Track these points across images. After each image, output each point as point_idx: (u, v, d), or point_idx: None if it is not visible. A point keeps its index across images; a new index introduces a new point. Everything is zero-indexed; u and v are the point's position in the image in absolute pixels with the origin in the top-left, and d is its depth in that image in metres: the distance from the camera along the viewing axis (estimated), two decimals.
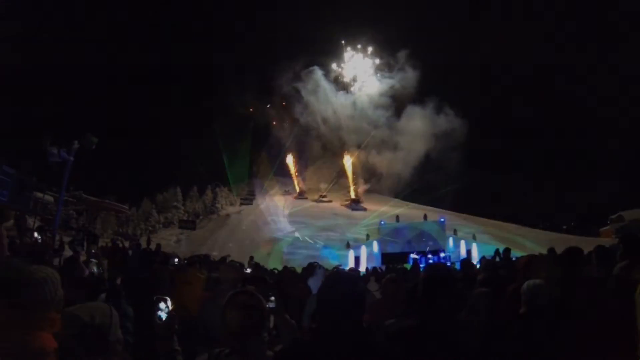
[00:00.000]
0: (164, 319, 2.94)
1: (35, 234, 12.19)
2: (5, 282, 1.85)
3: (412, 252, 30.88)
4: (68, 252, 10.09)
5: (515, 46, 61.98)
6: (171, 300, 3.01)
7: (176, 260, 11.20)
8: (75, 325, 1.95)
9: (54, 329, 1.90)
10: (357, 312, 2.37)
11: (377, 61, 64.72)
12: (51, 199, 19.48)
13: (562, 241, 29.75)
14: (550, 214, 56.24)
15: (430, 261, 25.44)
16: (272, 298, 3.39)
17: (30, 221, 15.12)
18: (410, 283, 4.76)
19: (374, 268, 18.00)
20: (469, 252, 31.33)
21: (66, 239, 14.18)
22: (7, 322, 1.78)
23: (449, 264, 23.65)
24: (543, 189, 59.97)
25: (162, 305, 2.95)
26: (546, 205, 59.49)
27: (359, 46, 65.35)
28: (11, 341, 1.74)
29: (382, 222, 37.79)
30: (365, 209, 53.61)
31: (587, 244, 7.29)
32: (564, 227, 48.52)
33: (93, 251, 8.95)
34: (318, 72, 64.09)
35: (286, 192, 63.13)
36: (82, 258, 7.84)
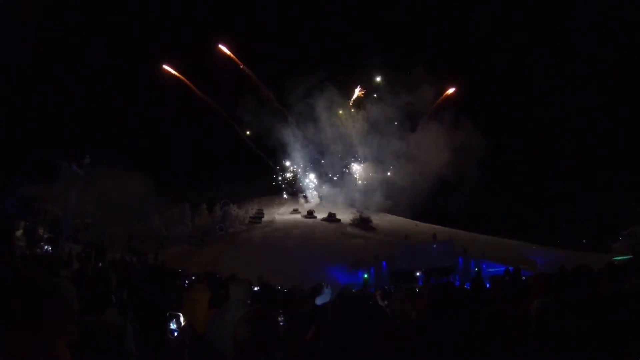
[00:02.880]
0: (176, 334, 2.95)
1: (46, 246, 12.24)
2: (23, 293, 1.85)
3: (419, 272, 30.76)
4: (77, 265, 10.10)
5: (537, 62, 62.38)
6: (183, 316, 3.02)
7: (187, 281, 11.18)
8: (90, 337, 1.95)
9: (70, 340, 1.90)
10: (367, 331, 2.36)
11: (393, 76, 65.05)
12: (60, 211, 19.60)
13: (573, 259, 29.43)
14: (561, 231, 55.89)
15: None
16: (281, 317, 3.39)
17: (40, 232, 15.19)
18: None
19: (382, 287, 17.91)
20: (478, 271, 31.14)
21: (74, 252, 14.20)
22: (24, 332, 1.78)
23: (457, 283, 23.47)
24: (553, 205, 59.70)
25: (174, 321, 2.96)
26: (557, 222, 59.17)
27: (375, 61, 65.75)
28: (28, 352, 1.74)
29: (391, 241, 37.61)
30: (374, 229, 53.47)
31: (599, 261, 7.24)
32: (575, 243, 48.03)
33: (100, 264, 8.98)
34: (331, 88, 64.35)
35: (295, 211, 63.15)
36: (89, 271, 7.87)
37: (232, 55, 62.21)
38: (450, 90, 62.18)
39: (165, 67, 59.76)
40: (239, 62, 62.75)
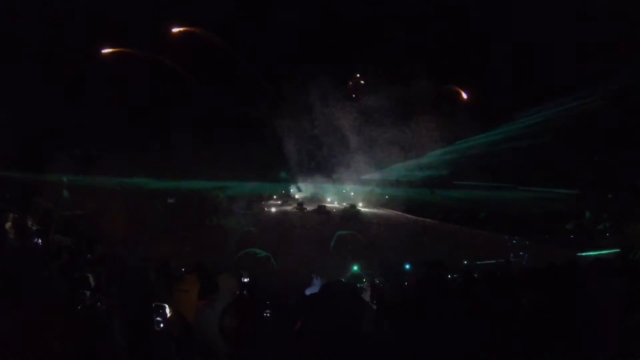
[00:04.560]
0: (162, 326, 2.94)
1: (35, 239, 12.19)
2: (15, 286, 1.86)
3: (408, 264, 30.68)
4: (66, 257, 10.03)
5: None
6: (169, 307, 3.00)
7: (176, 273, 11.13)
8: (78, 328, 1.96)
9: (60, 332, 1.91)
10: (352, 323, 2.37)
11: (388, 69, 64.28)
12: (50, 203, 19.45)
13: (562, 254, 29.51)
14: (549, 226, 55.76)
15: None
16: (268, 308, 3.39)
17: (29, 224, 15.09)
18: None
19: (372, 280, 17.95)
20: (468, 265, 31.14)
21: (63, 244, 14.10)
22: (18, 324, 1.79)
23: (449, 276, 23.49)
24: (540, 199, 59.61)
25: (160, 312, 2.94)
26: (545, 217, 59.06)
27: (370, 55, 65.05)
28: (19, 344, 1.75)
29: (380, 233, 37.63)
30: (362, 221, 53.51)
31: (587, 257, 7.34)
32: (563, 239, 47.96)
33: (89, 256, 8.93)
34: (326, 79, 63.52)
35: (284, 203, 62.93)
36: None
37: (227, 44, 61.63)
38: (464, 96, 61.90)
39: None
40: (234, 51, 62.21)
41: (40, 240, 12.43)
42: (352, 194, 63.02)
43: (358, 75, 65.97)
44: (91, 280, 5.83)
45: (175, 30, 53.59)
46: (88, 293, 4.53)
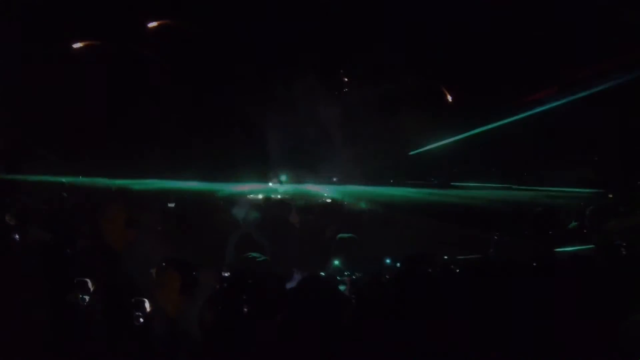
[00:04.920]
0: (142, 321, 2.94)
1: (14, 235, 12.05)
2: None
3: (388, 259, 30.62)
4: (45, 252, 9.92)
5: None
6: (149, 302, 3.00)
7: (157, 267, 11.02)
8: (57, 322, 1.98)
9: (41, 328, 1.94)
10: (331, 317, 2.41)
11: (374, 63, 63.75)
12: (29, 199, 19.24)
13: (541, 250, 29.70)
14: (538, 223, 55.74)
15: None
16: (247, 302, 3.40)
17: (7, 220, 14.91)
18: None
19: (353, 274, 17.96)
20: (448, 260, 31.21)
21: (44, 239, 13.93)
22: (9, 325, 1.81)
23: (429, 271, 23.57)
24: (534, 198, 59.68)
25: (139, 307, 2.94)
26: (535, 214, 59.10)
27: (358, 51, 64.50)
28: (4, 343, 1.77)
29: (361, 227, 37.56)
30: (343, 215, 53.33)
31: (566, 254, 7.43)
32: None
33: (68, 251, 8.86)
34: (311, 74, 62.73)
35: (266, 198, 62.45)
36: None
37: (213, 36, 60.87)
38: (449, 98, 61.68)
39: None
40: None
41: (18, 236, 12.27)
42: (337, 190, 62.99)
43: (342, 72, 65.52)
44: (90, 285, 5.82)
45: (152, 24, 52.49)
46: (87, 298, 4.51)
